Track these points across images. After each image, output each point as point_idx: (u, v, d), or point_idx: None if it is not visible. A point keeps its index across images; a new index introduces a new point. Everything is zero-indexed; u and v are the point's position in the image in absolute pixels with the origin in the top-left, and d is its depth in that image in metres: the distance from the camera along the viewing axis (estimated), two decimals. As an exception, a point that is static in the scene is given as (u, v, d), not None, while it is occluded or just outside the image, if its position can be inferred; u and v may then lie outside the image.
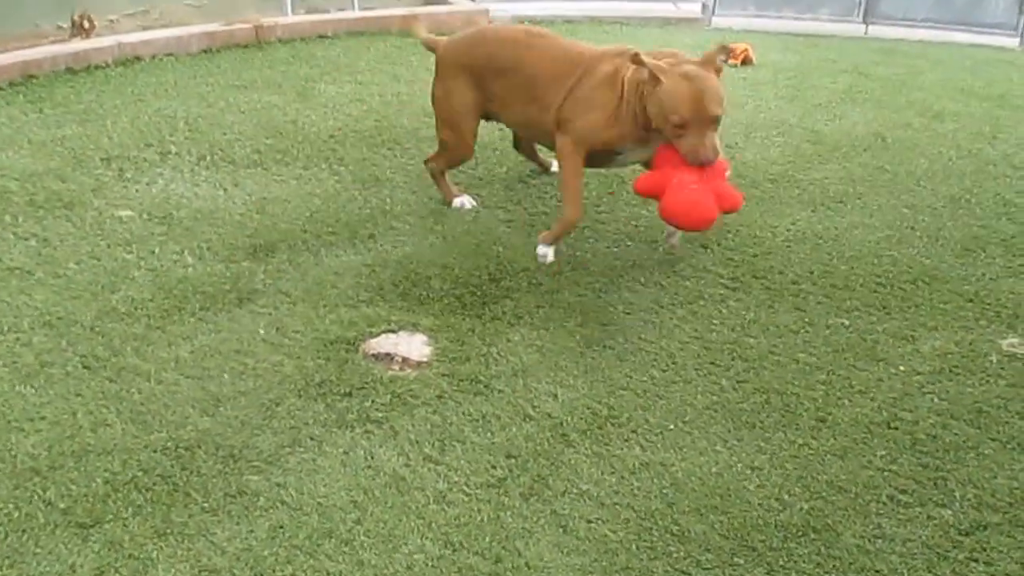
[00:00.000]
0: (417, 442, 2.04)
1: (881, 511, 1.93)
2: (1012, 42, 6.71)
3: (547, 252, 2.92)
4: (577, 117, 2.82)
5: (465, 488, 1.91)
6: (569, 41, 3.06)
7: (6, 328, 2.38)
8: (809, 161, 3.98)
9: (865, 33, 6.89)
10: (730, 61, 5.50)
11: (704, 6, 6.96)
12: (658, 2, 7.07)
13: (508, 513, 1.85)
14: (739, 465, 2.03)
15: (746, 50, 5.57)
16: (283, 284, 2.66)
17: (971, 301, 2.83)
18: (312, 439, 2.03)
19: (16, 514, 1.78)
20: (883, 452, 2.11)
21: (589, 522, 1.85)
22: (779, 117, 4.58)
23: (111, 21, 5.10)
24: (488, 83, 3.04)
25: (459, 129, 3.17)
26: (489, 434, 2.08)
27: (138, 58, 4.76)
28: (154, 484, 1.87)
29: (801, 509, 1.92)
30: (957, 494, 1.98)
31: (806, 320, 2.66)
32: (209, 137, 3.75)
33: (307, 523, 1.80)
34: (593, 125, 2.79)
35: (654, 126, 2.66)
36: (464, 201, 3.30)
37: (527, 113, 3.00)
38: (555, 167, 3.79)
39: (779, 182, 3.71)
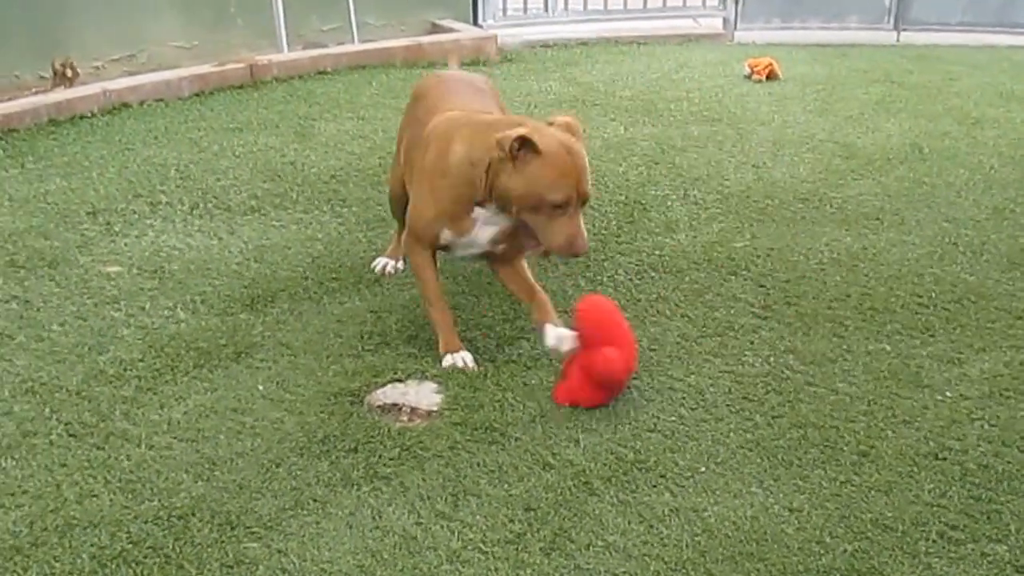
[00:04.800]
0: (428, 498, 2.05)
1: (931, 550, 1.90)
2: (1055, 40, 6.74)
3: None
4: None
5: (481, 545, 1.91)
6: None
7: (-14, 397, 2.40)
8: (842, 177, 4.00)
9: (897, 40, 6.95)
10: (754, 76, 5.59)
11: (726, 20, 7.05)
12: (677, 19, 7.16)
13: (528, 570, 1.85)
14: (776, 507, 2.02)
15: (770, 64, 5.63)
16: (283, 335, 2.69)
17: (1020, 319, 2.81)
18: (315, 500, 2.04)
19: (-2, 596, 1.78)
20: (931, 485, 2.09)
21: (615, 576, 1.84)
22: (808, 132, 4.61)
23: (96, 68, 5.19)
24: None
25: None
26: (506, 486, 2.08)
27: (125, 105, 4.86)
28: (144, 557, 1.88)
29: (844, 551, 1.90)
30: (1012, 528, 1.96)
31: (844, 347, 2.65)
32: (202, 184, 3.84)
33: (311, 590, 1.80)
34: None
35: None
36: None
37: None
38: None
39: (810, 201, 3.73)
